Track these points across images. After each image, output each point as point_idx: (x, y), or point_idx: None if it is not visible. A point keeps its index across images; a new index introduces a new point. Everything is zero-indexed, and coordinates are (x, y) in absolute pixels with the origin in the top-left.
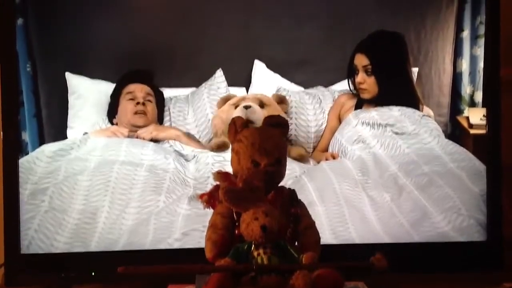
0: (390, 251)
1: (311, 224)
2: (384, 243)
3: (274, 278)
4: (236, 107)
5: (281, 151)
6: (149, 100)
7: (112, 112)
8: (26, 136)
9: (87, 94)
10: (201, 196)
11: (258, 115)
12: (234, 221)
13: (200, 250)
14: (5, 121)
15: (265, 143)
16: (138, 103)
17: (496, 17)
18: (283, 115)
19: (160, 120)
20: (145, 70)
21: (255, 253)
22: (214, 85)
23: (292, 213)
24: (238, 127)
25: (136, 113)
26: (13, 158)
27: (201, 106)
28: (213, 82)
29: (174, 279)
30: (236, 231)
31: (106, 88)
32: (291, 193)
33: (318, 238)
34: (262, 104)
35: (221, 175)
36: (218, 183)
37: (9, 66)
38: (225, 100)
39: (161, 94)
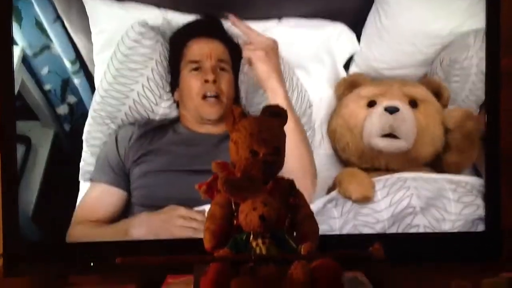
0: (389, 241)
1: (310, 214)
2: (382, 233)
3: (273, 268)
4: (370, 104)
5: (279, 141)
6: (223, 69)
7: (174, 82)
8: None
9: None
10: (200, 186)
11: (408, 125)
12: (233, 211)
13: (199, 240)
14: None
15: (263, 132)
16: (207, 80)
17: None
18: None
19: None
20: (213, 18)
21: (254, 243)
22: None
23: (291, 203)
24: (236, 117)
25: (205, 96)
26: (10, 145)
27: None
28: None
29: (173, 269)
30: (235, 222)
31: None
32: (290, 183)
33: (316, 228)
34: (414, 102)
35: (219, 165)
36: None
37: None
38: (351, 84)
39: (239, 50)
